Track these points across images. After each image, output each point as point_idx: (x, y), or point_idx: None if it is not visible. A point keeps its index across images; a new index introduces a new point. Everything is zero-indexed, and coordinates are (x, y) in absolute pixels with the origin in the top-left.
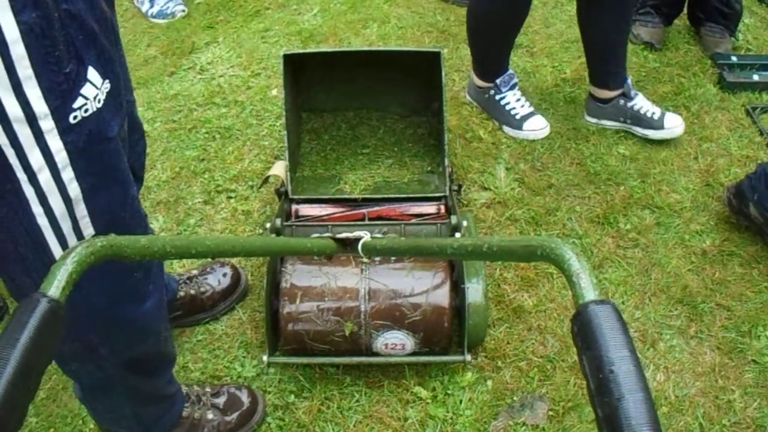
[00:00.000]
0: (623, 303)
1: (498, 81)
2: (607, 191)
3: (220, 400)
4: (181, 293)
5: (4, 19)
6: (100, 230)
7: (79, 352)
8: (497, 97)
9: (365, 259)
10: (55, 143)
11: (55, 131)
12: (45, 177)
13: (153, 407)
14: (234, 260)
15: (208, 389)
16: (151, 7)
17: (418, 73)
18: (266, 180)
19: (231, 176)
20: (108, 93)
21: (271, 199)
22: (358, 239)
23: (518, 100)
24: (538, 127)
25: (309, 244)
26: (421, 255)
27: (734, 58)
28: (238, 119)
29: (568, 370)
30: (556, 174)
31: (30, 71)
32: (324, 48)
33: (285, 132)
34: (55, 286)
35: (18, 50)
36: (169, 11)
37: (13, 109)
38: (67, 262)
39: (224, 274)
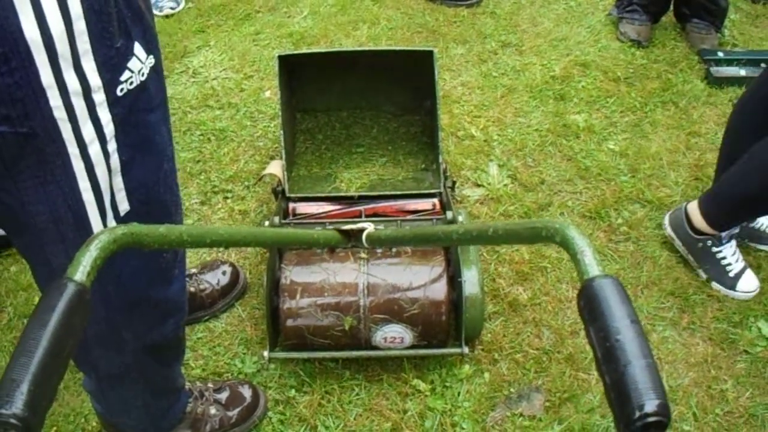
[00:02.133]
0: None
1: (724, 233)
2: (598, 186)
3: (223, 396)
4: None
5: None
6: (135, 206)
7: (104, 335)
8: (714, 249)
9: (363, 255)
10: (105, 115)
11: (105, 104)
12: (95, 149)
13: (163, 399)
14: (233, 258)
15: (210, 385)
16: None
17: (410, 72)
18: (261, 178)
19: (227, 177)
20: (152, 68)
21: (267, 199)
22: (362, 230)
23: (734, 253)
24: (750, 289)
25: (315, 235)
26: (425, 243)
27: (721, 54)
28: (232, 121)
29: (563, 362)
30: (548, 170)
31: (88, 46)
32: (318, 49)
33: (281, 131)
34: (81, 271)
35: (80, 26)
36: (159, 4)
37: (73, 83)
38: (91, 248)
39: (223, 272)
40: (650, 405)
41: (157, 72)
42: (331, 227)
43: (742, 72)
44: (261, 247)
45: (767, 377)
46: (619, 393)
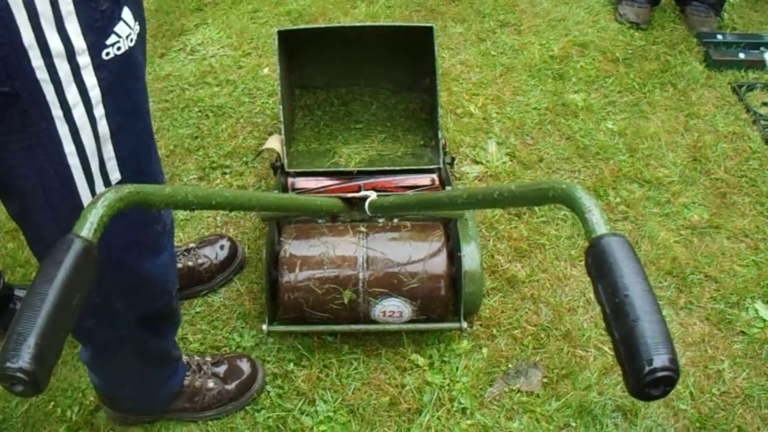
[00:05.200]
0: None
1: None
2: (596, 165)
3: (221, 369)
4: (179, 265)
5: None
6: (127, 175)
7: (96, 305)
8: None
9: (363, 228)
10: (90, 79)
11: (90, 67)
12: (79, 113)
13: (159, 370)
14: (231, 233)
15: (208, 358)
16: None
17: (408, 49)
18: (260, 153)
19: (225, 153)
20: (138, 35)
21: (265, 174)
22: (364, 198)
23: None
24: None
25: (319, 202)
26: (430, 209)
27: (720, 37)
28: (230, 98)
29: (561, 339)
30: (546, 148)
31: (71, 7)
32: (317, 25)
33: (280, 106)
34: (87, 228)
35: None
36: None
37: (56, 44)
38: (98, 205)
39: (221, 247)
40: (659, 360)
41: (143, 40)
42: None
43: (741, 55)
44: (264, 210)
45: (763, 358)
46: (628, 348)
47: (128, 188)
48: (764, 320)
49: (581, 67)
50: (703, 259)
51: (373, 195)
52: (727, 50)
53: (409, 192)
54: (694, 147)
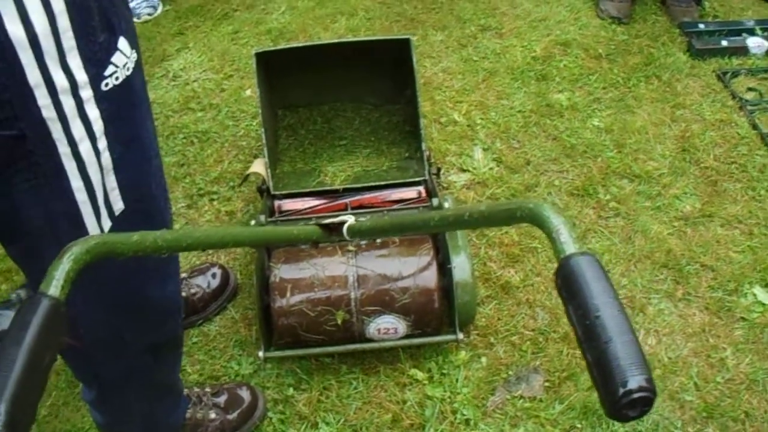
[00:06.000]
0: (609, 271)
1: None
2: (584, 164)
3: (221, 399)
4: None
5: None
6: (129, 204)
7: (105, 339)
8: None
9: (351, 247)
10: (93, 111)
11: (93, 100)
12: (85, 147)
13: (165, 403)
14: (222, 260)
15: (208, 389)
16: (132, 1)
17: (389, 61)
18: (246, 178)
19: (212, 179)
20: (136, 62)
21: (253, 198)
22: (342, 223)
23: None
24: None
25: (295, 231)
26: (405, 232)
27: (702, 26)
28: (214, 122)
29: (560, 341)
30: (533, 150)
31: (73, 42)
32: (295, 43)
33: (262, 129)
34: (54, 285)
35: (63, 22)
36: (137, 11)
37: (61, 81)
38: (63, 260)
39: (213, 275)
40: (634, 381)
41: (139, 67)
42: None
43: (724, 43)
44: (239, 247)
45: (765, 342)
46: (601, 371)
47: (94, 240)
48: (763, 304)
49: (564, 66)
50: (698, 248)
51: (351, 219)
52: (710, 39)
53: (386, 215)
54: (682, 137)
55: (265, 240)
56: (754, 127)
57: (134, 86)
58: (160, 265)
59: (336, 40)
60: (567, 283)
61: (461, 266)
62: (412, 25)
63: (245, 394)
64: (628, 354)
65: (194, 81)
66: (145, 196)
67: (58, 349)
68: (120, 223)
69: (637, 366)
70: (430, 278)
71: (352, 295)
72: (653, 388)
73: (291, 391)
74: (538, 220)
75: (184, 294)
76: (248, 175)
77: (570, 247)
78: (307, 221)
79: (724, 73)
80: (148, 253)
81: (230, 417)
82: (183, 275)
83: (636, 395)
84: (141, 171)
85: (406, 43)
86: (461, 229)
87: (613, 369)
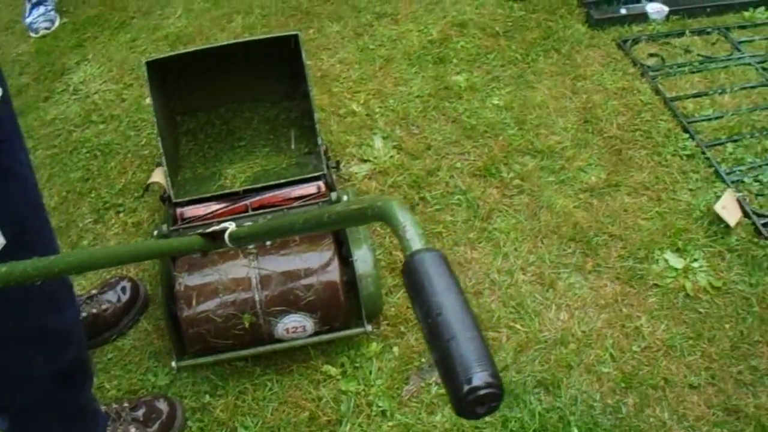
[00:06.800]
0: (516, 249)
1: None
2: (485, 144)
3: (140, 413)
4: (84, 314)
5: None
6: (9, 236)
7: (10, 370)
8: None
9: (252, 249)
10: None
11: None
12: None
13: (81, 425)
14: (132, 272)
15: (126, 404)
16: (29, 16)
17: (282, 58)
18: (148, 188)
19: (117, 191)
20: (1, 97)
21: (158, 207)
22: (224, 230)
23: None
24: None
25: (176, 244)
26: (281, 235)
27: None
28: (116, 133)
29: None
30: (433, 135)
31: None
32: (186, 49)
33: (159, 138)
34: None
35: None
36: (35, 26)
37: None
38: None
39: (123, 288)
40: (477, 378)
41: (6, 102)
42: (193, 231)
43: (623, 11)
44: (120, 266)
45: (680, 307)
46: (446, 369)
47: None
48: (676, 269)
49: (461, 47)
50: (606, 219)
51: (232, 226)
52: (609, 8)
53: (262, 221)
54: (583, 109)
55: (145, 256)
56: (657, 92)
57: (1, 121)
58: (53, 295)
59: (226, 42)
60: (411, 280)
61: (363, 258)
62: (307, 18)
63: (163, 405)
64: (471, 351)
65: (95, 93)
66: (27, 229)
67: None
68: (4, 259)
69: (481, 362)
70: (332, 273)
71: (257, 297)
72: (499, 383)
73: (208, 398)
74: (386, 218)
75: (95, 311)
76: (149, 185)
77: (415, 243)
78: (208, 227)
79: (625, 41)
80: (18, 283)
81: (150, 430)
82: (93, 291)
83: (482, 392)
84: (18, 204)
85: (294, 38)
86: (325, 230)
87: (456, 366)
